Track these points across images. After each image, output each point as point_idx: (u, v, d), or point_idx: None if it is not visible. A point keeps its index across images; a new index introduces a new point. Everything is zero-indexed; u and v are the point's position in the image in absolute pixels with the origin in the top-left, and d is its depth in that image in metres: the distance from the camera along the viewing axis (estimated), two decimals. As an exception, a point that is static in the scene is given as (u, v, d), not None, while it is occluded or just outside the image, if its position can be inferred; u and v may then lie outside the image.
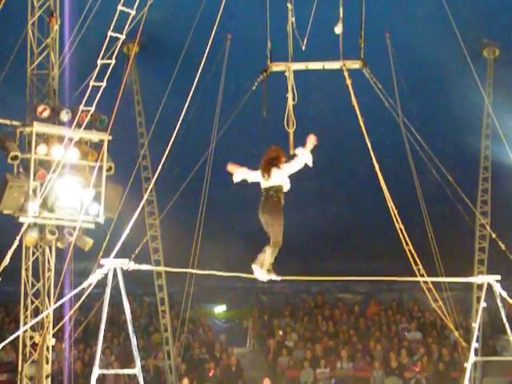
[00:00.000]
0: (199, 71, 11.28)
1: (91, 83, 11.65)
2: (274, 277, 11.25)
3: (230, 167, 11.43)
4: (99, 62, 11.29)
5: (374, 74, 14.36)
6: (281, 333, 25.58)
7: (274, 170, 10.87)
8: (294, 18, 13.80)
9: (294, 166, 10.92)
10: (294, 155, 11.06)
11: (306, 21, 14.00)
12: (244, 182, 11.30)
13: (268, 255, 11.05)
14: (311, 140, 10.85)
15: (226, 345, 24.77)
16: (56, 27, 15.27)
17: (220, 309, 28.22)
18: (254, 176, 11.26)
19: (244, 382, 22.71)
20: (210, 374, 22.68)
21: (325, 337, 24.99)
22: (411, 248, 12.74)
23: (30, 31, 15.32)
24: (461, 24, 15.77)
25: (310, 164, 10.91)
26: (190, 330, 24.15)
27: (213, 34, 11.58)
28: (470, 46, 16.91)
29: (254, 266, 11.18)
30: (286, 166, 10.94)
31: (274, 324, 26.27)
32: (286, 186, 11.00)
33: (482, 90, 17.82)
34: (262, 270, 11.12)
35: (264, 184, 11.09)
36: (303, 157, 10.90)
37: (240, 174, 11.37)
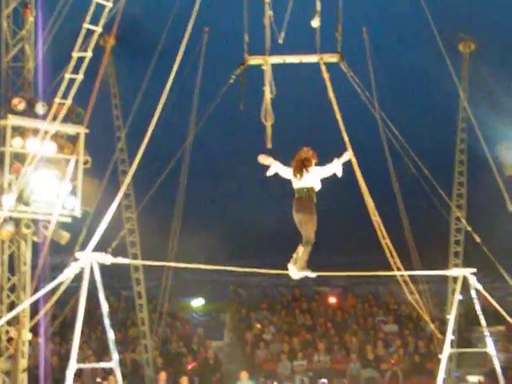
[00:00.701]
0: (176, 64, 11.26)
1: (67, 76, 11.61)
2: (308, 273, 11.59)
3: (262, 159, 11.58)
4: (75, 54, 11.25)
5: (351, 67, 14.38)
6: (258, 326, 25.62)
7: (306, 171, 11.14)
8: (271, 12, 13.79)
9: (325, 171, 11.30)
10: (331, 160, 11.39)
11: (284, 14, 13.99)
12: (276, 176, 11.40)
13: (302, 253, 11.41)
14: (348, 155, 11.38)
15: (203, 338, 24.76)
16: (31, 19, 15.13)
17: (198, 302, 28.21)
18: (286, 172, 11.48)
19: (221, 375, 22.71)
20: (190, 367, 22.66)
21: (302, 330, 25.07)
22: (388, 241, 12.79)
23: (4, 23, 15.17)
24: (437, 18, 15.82)
25: (340, 175, 11.33)
26: (167, 324, 24.12)
27: (190, 27, 11.57)
28: (446, 41, 16.98)
29: (289, 265, 11.56)
30: (317, 168, 11.27)
31: (252, 317, 26.31)
32: (318, 187, 11.31)
33: (458, 84, 17.91)
34: (295, 268, 11.48)
35: (296, 184, 11.34)
36: (335, 166, 11.30)
37: (274, 167, 11.55)
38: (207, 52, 17.43)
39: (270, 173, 11.60)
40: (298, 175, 11.18)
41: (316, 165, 11.32)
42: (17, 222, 14.75)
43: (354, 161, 12.05)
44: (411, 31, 18.01)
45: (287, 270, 11.93)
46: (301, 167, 11.17)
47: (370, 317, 26.06)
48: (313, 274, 11.65)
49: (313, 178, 11.22)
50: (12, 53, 15.26)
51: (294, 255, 11.42)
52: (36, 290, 13.83)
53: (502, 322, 21.37)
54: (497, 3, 17.49)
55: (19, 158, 14.60)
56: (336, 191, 22.01)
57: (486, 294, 12.53)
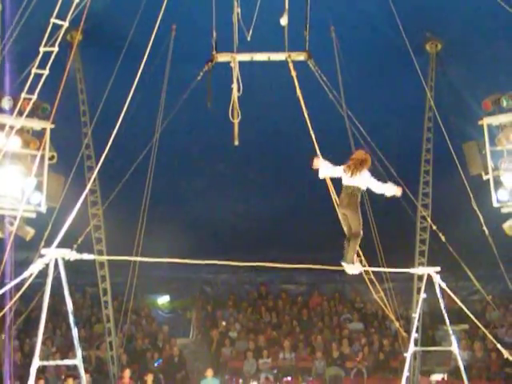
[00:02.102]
0: (144, 61, 11.22)
1: (33, 71, 11.50)
2: (360, 267, 11.94)
3: (316, 163, 11.82)
4: (42, 49, 11.15)
5: (318, 66, 14.44)
6: (224, 324, 25.63)
7: (358, 172, 11.43)
8: (239, 9, 13.81)
9: (372, 185, 11.52)
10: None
11: (252, 11, 14.01)
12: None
13: (351, 247, 11.61)
14: (397, 191, 11.57)
15: (168, 335, 24.74)
16: (-3, 13, 15.01)
17: (163, 299, 28.17)
18: (337, 171, 11.74)
19: (187, 373, 22.70)
20: (156, 365, 22.63)
21: (268, 328, 25.13)
22: (345, 230, 12.83)
23: (-30, 17, 15.04)
24: (404, 17, 15.91)
25: (388, 195, 11.59)
26: (132, 321, 24.05)
27: (157, 24, 11.54)
28: (413, 40, 17.07)
29: (343, 263, 11.73)
30: (368, 176, 11.50)
31: (218, 315, 26.32)
32: (363, 188, 11.59)
33: (425, 84, 18.03)
34: (349, 265, 11.70)
35: (345, 181, 11.56)
36: (386, 188, 11.55)
37: (325, 170, 11.84)
38: (175, 49, 17.37)
39: (322, 176, 11.95)
40: (350, 173, 11.46)
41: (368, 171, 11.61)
42: (-19, 217, 14.64)
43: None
44: (378, 30, 18.08)
45: (253, 263, 12.02)
46: (356, 166, 11.45)
47: (336, 315, 26.20)
48: (361, 269, 12.06)
49: (361, 181, 11.50)
50: (-22, 47, 15.11)
51: (344, 252, 11.73)
52: (0, 286, 13.69)
53: (465, 320, 21.71)
54: (464, 3, 17.61)
55: (-16, 152, 14.47)
56: (302, 189, 22.15)
57: (451, 293, 12.65)
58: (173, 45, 17.29)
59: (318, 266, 12.79)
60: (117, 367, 20.69)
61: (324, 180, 12.78)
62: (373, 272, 13.76)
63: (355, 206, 11.52)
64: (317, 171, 11.85)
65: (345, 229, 11.78)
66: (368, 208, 12.85)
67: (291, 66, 14.04)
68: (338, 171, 11.69)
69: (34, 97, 12.01)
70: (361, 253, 12.29)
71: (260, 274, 27.74)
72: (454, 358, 18.69)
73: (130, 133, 13.46)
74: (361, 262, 12.13)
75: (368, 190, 11.71)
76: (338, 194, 11.97)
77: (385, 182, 11.77)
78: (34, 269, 9.49)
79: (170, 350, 23.26)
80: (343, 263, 11.75)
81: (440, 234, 16.85)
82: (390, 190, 11.56)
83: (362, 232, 11.65)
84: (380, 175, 11.99)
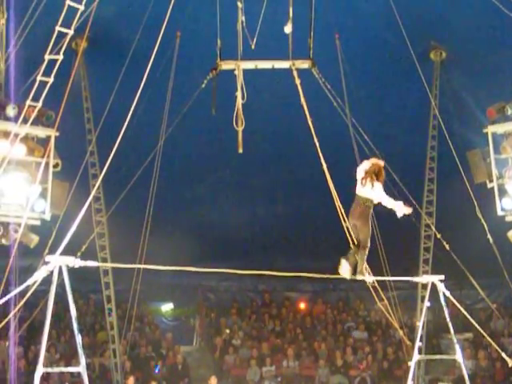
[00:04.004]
0: (148, 68, 11.24)
1: (38, 78, 11.55)
2: (365, 278, 11.93)
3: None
4: (47, 57, 11.20)
5: (323, 74, 14.46)
6: (228, 331, 25.60)
7: (371, 183, 11.43)
8: (244, 17, 13.84)
9: (385, 199, 11.52)
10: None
11: (256, 19, 14.03)
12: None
13: (359, 259, 11.66)
14: (407, 209, 11.52)
15: (172, 343, 24.70)
16: (2, 21, 15.06)
17: (167, 307, 28.13)
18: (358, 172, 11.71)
19: (190, 381, 22.67)
20: (156, 371, 22.60)
21: (271, 335, 25.09)
22: (354, 239, 12.83)
23: (-25, 25, 15.09)
24: (408, 26, 15.93)
25: (398, 214, 11.55)
26: (136, 328, 24.01)
27: (162, 31, 11.56)
28: (418, 48, 17.09)
29: (342, 260, 11.77)
30: (381, 190, 11.51)
31: (221, 322, 26.26)
32: (376, 200, 11.56)
33: (429, 92, 18.04)
34: (347, 265, 11.77)
35: (358, 190, 11.59)
36: (396, 205, 11.50)
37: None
38: (180, 56, 17.39)
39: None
40: (364, 181, 11.46)
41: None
42: (-15, 224, 14.65)
43: (324, 166, 12.18)
44: (383, 38, 18.10)
45: (258, 271, 12.02)
46: (370, 177, 11.44)
47: (340, 323, 26.14)
48: (369, 279, 12.08)
49: (371, 193, 11.51)
50: (-17, 54, 15.16)
51: (349, 255, 11.77)
52: (4, 293, 13.70)
53: (470, 329, 21.65)
54: (468, 11, 17.61)
55: (-11, 160, 14.49)
56: (307, 197, 22.16)
57: (455, 302, 12.63)
58: (177, 52, 17.31)
59: (320, 274, 12.78)
60: (120, 374, 20.67)
61: (328, 187, 12.80)
62: (377, 280, 13.73)
63: (366, 218, 11.56)
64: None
65: (354, 237, 11.79)
66: (372, 215, 12.82)
67: (295, 73, 14.05)
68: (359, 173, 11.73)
69: (39, 104, 12.06)
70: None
71: (264, 281, 27.69)
72: (458, 366, 18.63)
73: (134, 140, 13.48)
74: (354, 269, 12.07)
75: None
76: (342, 202, 11.98)
77: (394, 198, 11.74)
78: (39, 276, 9.50)
79: (174, 358, 23.24)
80: (343, 261, 11.73)
81: (444, 243, 16.82)
82: (400, 208, 11.52)
83: (369, 244, 11.65)
84: (388, 190, 11.97)
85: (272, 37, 14.12)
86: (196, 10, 16.90)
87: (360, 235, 11.62)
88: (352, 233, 11.81)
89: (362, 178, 11.52)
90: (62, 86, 11.94)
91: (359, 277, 11.86)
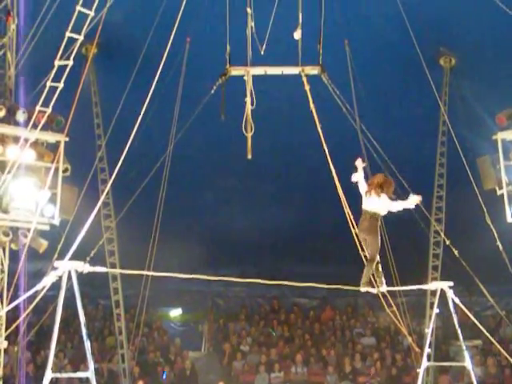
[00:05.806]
0: (158, 74, 11.27)
1: (48, 84, 11.58)
2: (370, 289, 11.95)
3: (358, 164, 11.88)
4: (57, 62, 11.23)
5: (332, 80, 14.45)
6: (236, 337, 25.56)
7: (377, 196, 11.48)
8: (253, 23, 13.86)
9: (394, 206, 11.57)
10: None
11: (266, 25, 14.05)
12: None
13: (365, 270, 11.77)
14: (416, 199, 11.63)
15: (180, 348, 24.69)
16: (13, 26, 15.12)
17: (175, 312, 28.12)
18: (362, 188, 11.76)
19: (198, 386, 22.66)
20: (164, 378, 22.59)
21: (280, 341, 25.04)
22: (366, 253, 12.83)
23: (-14, 30, 15.16)
24: (418, 32, 15.93)
25: (412, 207, 11.69)
26: (144, 334, 24.03)
27: (172, 37, 11.59)
28: (427, 55, 17.08)
29: (361, 288, 11.89)
30: (387, 200, 11.52)
31: (230, 328, 26.24)
32: (383, 213, 11.66)
33: (438, 98, 18.02)
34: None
35: (364, 203, 11.65)
36: (406, 204, 11.57)
37: (358, 176, 11.82)
38: (189, 62, 17.42)
39: (353, 179, 11.87)
40: (369, 194, 11.53)
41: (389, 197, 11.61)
42: (-5, 229, 14.67)
43: (333, 171, 12.19)
44: (393, 44, 18.10)
45: (264, 279, 12.01)
46: (376, 189, 11.48)
47: (348, 329, 26.09)
48: (374, 290, 12.02)
49: (379, 205, 11.53)
50: (-7, 60, 15.22)
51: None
52: (13, 298, 13.75)
53: (479, 336, 21.58)
54: (478, 18, 17.61)
55: (-1, 165, 14.54)
56: (316, 203, 22.13)
57: (464, 308, 12.58)
58: (187, 58, 17.34)
59: (328, 282, 12.78)
60: (129, 380, 20.68)
61: (337, 193, 12.78)
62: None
63: (375, 231, 11.58)
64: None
65: (366, 252, 11.84)
66: (381, 221, 12.81)
67: (305, 79, 14.06)
68: (363, 188, 11.71)
69: (49, 110, 12.11)
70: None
71: (272, 287, 27.66)
72: (467, 373, 18.56)
73: (143, 145, 13.51)
74: (375, 281, 12.08)
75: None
76: (351, 207, 11.97)
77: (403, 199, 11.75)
78: (48, 281, 9.53)
79: (182, 363, 23.23)
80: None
81: (453, 249, 16.78)
82: (411, 202, 11.58)
83: (377, 258, 11.69)
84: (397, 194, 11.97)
85: (281, 43, 14.13)
86: (205, 15, 16.92)
87: (369, 248, 11.68)
88: (364, 247, 11.83)
89: (367, 192, 11.55)
90: (72, 91, 11.98)
91: (362, 289, 11.85)
